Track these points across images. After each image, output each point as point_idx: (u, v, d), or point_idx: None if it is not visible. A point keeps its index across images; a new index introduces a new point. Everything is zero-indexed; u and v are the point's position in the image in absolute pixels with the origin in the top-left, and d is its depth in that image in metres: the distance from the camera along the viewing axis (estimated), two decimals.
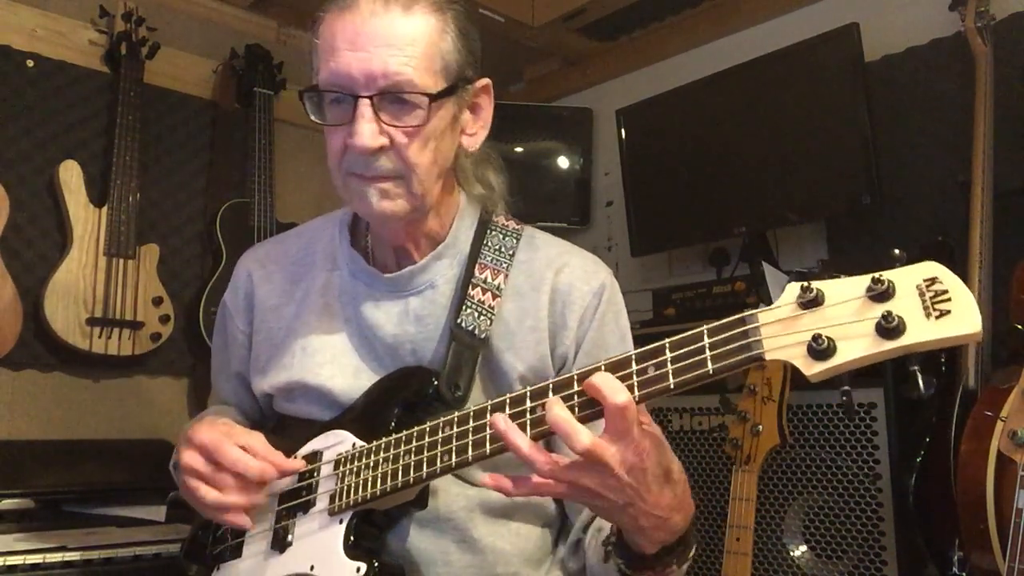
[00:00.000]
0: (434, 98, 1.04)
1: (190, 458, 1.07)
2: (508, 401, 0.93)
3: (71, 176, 2.32)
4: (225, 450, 1.05)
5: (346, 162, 1.06)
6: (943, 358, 1.81)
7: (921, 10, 2.31)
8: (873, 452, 1.77)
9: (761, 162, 2.41)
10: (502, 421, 0.87)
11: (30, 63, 2.36)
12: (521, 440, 0.86)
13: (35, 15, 2.39)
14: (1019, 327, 1.64)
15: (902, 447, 1.74)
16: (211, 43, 2.74)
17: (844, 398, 0.79)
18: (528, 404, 0.91)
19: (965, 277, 1.85)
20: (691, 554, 0.98)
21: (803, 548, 1.86)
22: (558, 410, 0.84)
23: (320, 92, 1.06)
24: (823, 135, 2.28)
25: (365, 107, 1.02)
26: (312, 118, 1.07)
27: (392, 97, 1.03)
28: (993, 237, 1.86)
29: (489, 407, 0.94)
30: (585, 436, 0.82)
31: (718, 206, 2.52)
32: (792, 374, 1.78)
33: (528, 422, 0.90)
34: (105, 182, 2.38)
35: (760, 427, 1.76)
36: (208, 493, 1.05)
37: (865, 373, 1.70)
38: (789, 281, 0.78)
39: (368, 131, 1.02)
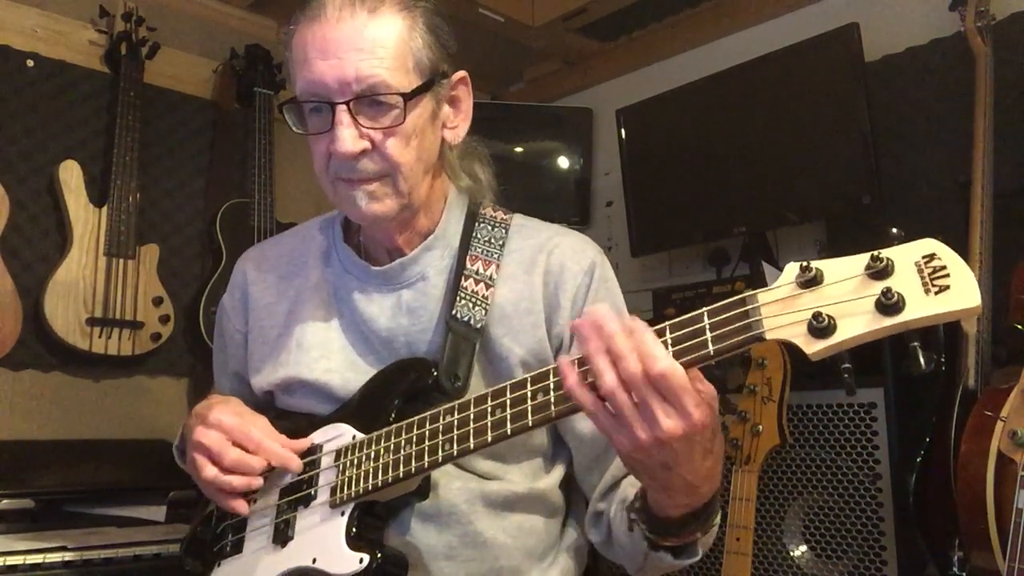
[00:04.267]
0: (409, 96, 1.05)
1: (202, 435, 1.09)
2: (508, 387, 0.93)
3: (71, 176, 2.32)
4: (248, 432, 1.08)
5: (332, 168, 1.08)
6: (943, 357, 1.81)
7: (921, 10, 2.31)
8: (873, 452, 1.77)
9: (761, 162, 2.41)
10: (567, 364, 0.85)
11: (30, 63, 2.36)
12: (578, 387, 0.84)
13: (35, 15, 2.39)
14: (1019, 327, 1.64)
15: (902, 447, 1.74)
16: (211, 43, 2.74)
17: (846, 376, 0.79)
18: (528, 389, 0.91)
19: None
20: (715, 521, 0.98)
21: (803, 548, 1.86)
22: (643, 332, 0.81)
23: (299, 103, 1.08)
24: (823, 135, 2.28)
25: (343, 113, 1.04)
26: (294, 130, 1.10)
27: (368, 100, 1.04)
28: (993, 237, 1.86)
29: (489, 395, 0.94)
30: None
31: (718, 206, 2.52)
32: (792, 371, 1.78)
33: (529, 408, 0.90)
34: (105, 182, 2.38)
35: (760, 427, 1.77)
36: (211, 471, 1.08)
37: (865, 373, 1.71)
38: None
39: (348, 136, 1.04)
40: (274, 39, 2.88)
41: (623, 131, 2.79)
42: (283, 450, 1.09)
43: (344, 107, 1.03)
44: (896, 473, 1.73)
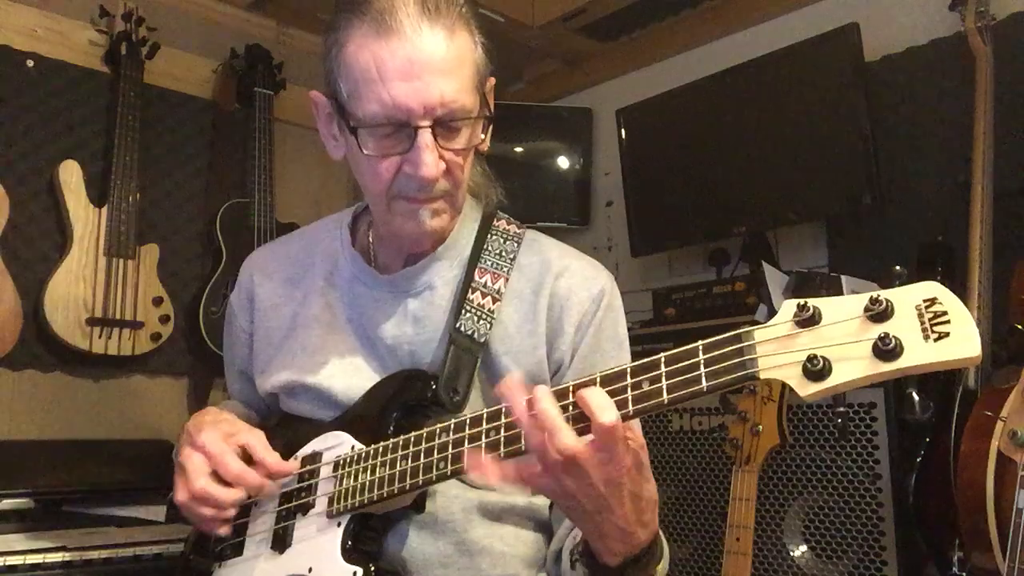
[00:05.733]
0: (488, 119, 1.06)
1: (186, 457, 1.08)
2: (504, 411, 0.92)
3: (71, 176, 2.32)
4: (226, 463, 1.07)
5: (397, 187, 1.06)
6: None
7: (921, 10, 2.31)
8: (873, 452, 1.77)
9: (761, 162, 2.41)
10: (469, 456, 0.91)
11: (30, 63, 2.37)
12: (492, 468, 0.88)
13: (35, 15, 2.39)
14: (1019, 327, 1.63)
15: (902, 447, 1.74)
16: (211, 43, 2.74)
17: (839, 420, 0.79)
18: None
19: (965, 277, 1.85)
20: (654, 570, 0.97)
21: (803, 548, 1.86)
22: (546, 404, 0.84)
23: (373, 126, 1.02)
24: (823, 135, 2.28)
25: (426, 136, 1.01)
26: (364, 152, 1.03)
27: (446, 123, 1.02)
28: (993, 237, 1.86)
29: (485, 416, 0.94)
30: (568, 437, 0.83)
31: (718, 206, 2.52)
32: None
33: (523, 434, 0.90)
34: (105, 182, 2.38)
35: (760, 427, 1.76)
36: (182, 496, 1.08)
37: None
38: (788, 287, 0.78)
39: (432, 161, 1.01)
40: (274, 39, 2.88)
41: (623, 131, 2.79)
42: (262, 480, 1.08)
43: (428, 131, 1.01)
44: (896, 473, 1.73)
